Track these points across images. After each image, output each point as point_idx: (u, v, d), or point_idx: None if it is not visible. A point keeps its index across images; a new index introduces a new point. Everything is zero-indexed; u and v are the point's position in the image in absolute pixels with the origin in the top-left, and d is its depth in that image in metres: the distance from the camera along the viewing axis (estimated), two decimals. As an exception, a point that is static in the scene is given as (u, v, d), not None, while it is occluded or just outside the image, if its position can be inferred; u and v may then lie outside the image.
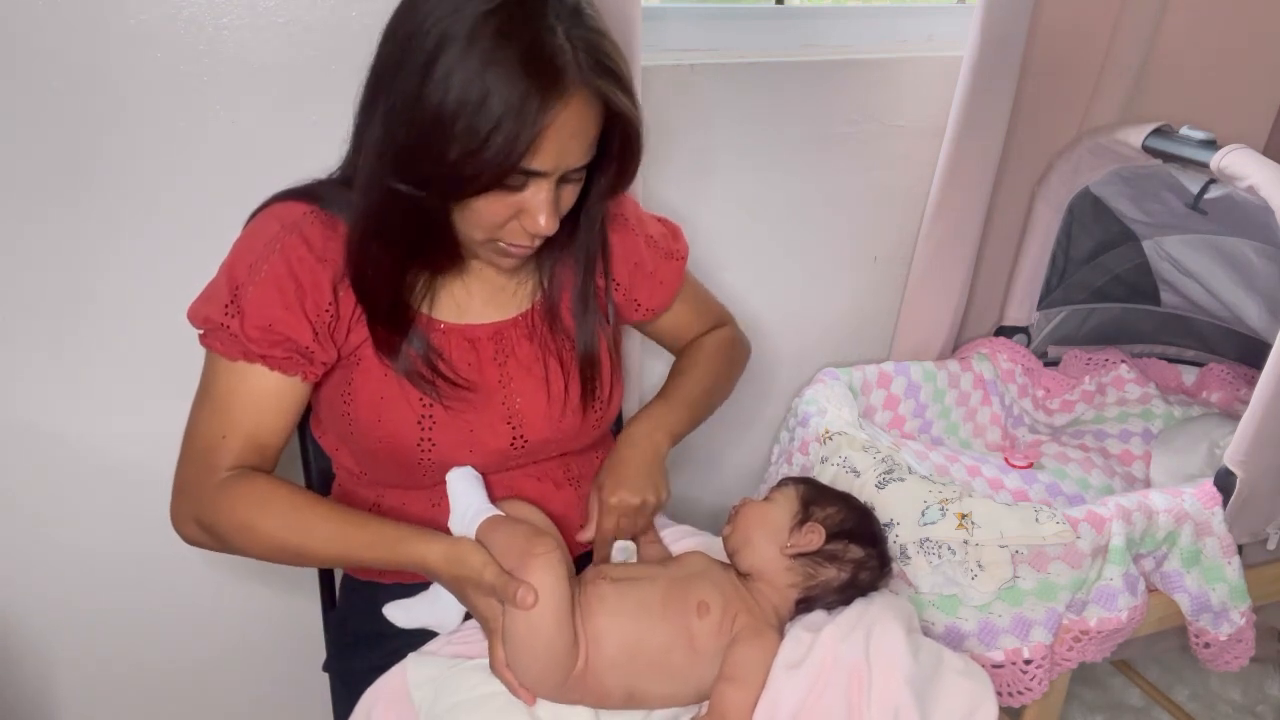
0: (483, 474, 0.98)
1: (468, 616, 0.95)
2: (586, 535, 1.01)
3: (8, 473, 1.15)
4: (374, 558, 0.87)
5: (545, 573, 0.83)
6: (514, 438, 0.98)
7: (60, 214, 1.06)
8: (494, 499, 0.95)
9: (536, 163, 0.80)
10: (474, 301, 0.98)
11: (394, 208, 0.84)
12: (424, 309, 0.95)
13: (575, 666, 0.86)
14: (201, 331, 0.90)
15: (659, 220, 1.13)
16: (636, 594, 0.91)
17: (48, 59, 0.99)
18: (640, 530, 1.02)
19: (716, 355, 1.17)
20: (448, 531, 0.92)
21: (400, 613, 0.96)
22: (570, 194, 0.88)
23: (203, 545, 0.92)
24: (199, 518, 0.89)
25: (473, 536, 0.88)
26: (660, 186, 1.35)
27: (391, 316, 0.91)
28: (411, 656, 0.93)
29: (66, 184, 1.05)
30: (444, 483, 0.97)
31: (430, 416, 0.93)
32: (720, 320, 1.23)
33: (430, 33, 0.77)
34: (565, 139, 0.80)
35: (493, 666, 0.87)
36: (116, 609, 1.27)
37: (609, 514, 0.99)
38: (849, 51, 1.44)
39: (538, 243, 0.89)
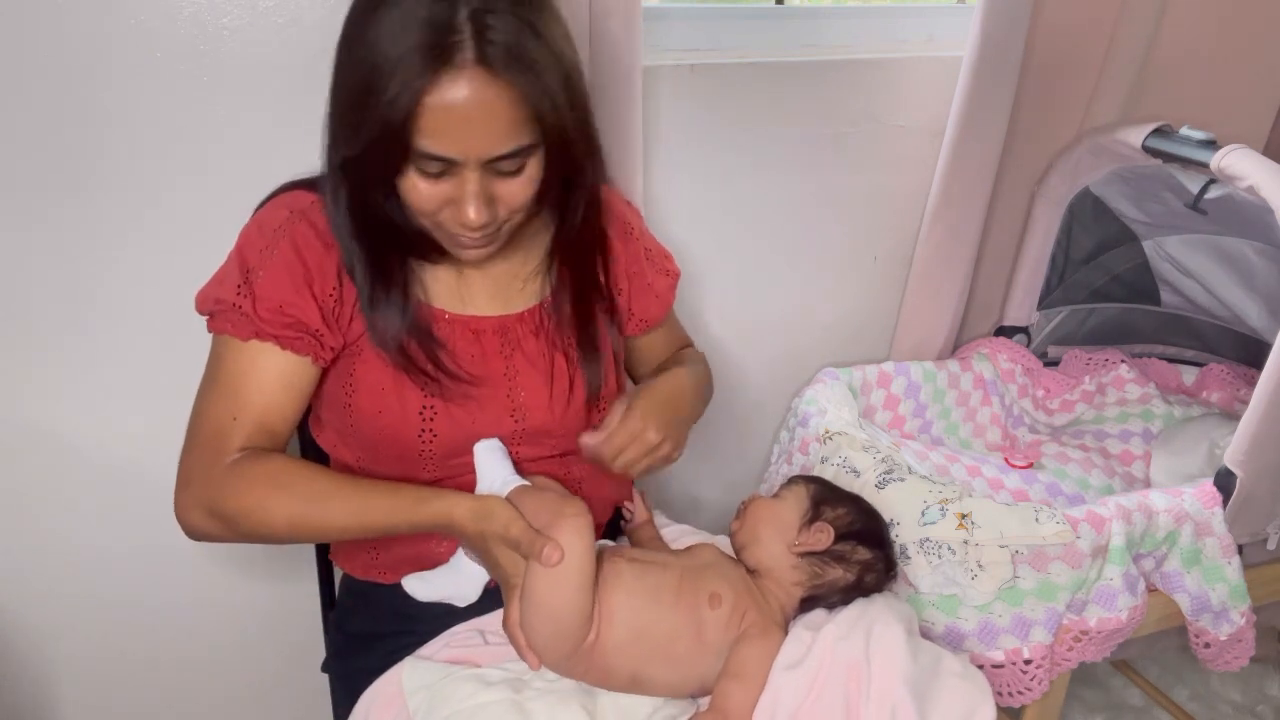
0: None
1: (487, 591, 0.95)
2: (592, 438, 0.95)
3: (8, 472, 1.15)
4: (397, 522, 0.87)
5: (574, 535, 0.83)
6: (515, 429, 0.98)
7: (60, 214, 1.06)
8: (520, 470, 0.95)
9: (432, 144, 0.78)
10: (475, 294, 0.98)
11: (341, 191, 0.87)
12: (427, 298, 0.95)
13: (587, 638, 0.86)
14: (210, 315, 0.90)
15: (654, 237, 1.14)
16: (652, 577, 0.91)
17: (48, 59, 0.99)
18: (636, 474, 0.97)
19: (700, 363, 1.16)
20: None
21: (420, 585, 0.95)
22: (513, 186, 0.84)
23: (210, 536, 0.89)
24: (209, 505, 0.87)
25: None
26: (660, 186, 1.35)
27: (377, 302, 0.91)
28: (408, 661, 0.93)
29: (67, 184, 1.05)
30: (444, 477, 0.98)
31: (432, 407, 0.93)
32: (687, 343, 1.23)
33: (361, 5, 0.80)
34: (460, 123, 0.78)
35: (505, 625, 0.87)
36: (116, 609, 1.27)
37: (625, 433, 0.94)
38: (849, 51, 1.44)
39: (480, 235, 0.87)
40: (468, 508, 0.86)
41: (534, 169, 0.85)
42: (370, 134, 0.79)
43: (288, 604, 1.35)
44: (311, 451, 1.12)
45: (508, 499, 0.88)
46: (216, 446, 0.88)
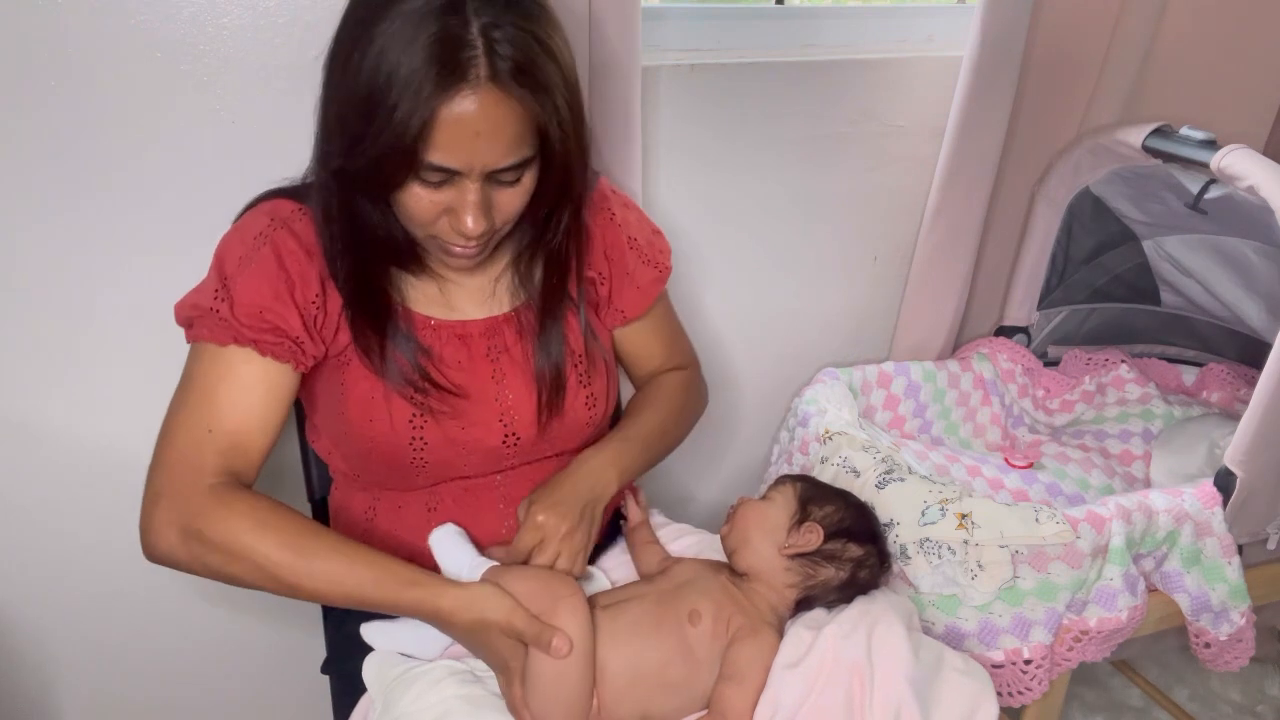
0: (479, 476, 0.98)
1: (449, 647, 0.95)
2: (501, 551, 0.94)
3: (8, 472, 1.15)
4: (378, 597, 0.84)
5: (574, 616, 0.84)
6: (506, 435, 0.97)
7: (59, 214, 1.06)
8: (481, 549, 0.94)
9: (440, 157, 0.78)
10: (460, 298, 0.97)
11: (334, 200, 0.87)
12: (411, 305, 0.95)
13: (593, 707, 0.86)
14: (189, 325, 0.89)
15: (652, 230, 1.10)
16: (628, 615, 0.91)
17: (47, 59, 0.99)
18: (565, 567, 0.92)
19: (675, 396, 1.13)
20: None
21: (379, 635, 0.95)
22: (509, 195, 0.85)
23: (177, 561, 0.83)
24: (184, 525, 0.82)
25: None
26: (660, 186, 1.35)
27: (364, 313, 0.91)
28: (370, 657, 0.96)
29: (65, 184, 1.05)
30: (440, 484, 0.98)
31: (422, 415, 0.93)
32: (685, 361, 1.18)
33: (360, 17, 0.79)
34: (469, 137, 0.78)
35: (510, 708, 0.86)
36: (116, 609, 1.27)
37: (532, 530, 0.91)
38: (849, 51, 1.44)
39: (475, 244, 0.87)
40: (456, 597, 0.84)
41: (530, 179, 0.85)
42: (378, 147, 0.78)
43: (288, 604, 1.35)
44: (314, 460, 1.12)
45: (495, 585, 0.86)
46: (192, 462, 0.84)
